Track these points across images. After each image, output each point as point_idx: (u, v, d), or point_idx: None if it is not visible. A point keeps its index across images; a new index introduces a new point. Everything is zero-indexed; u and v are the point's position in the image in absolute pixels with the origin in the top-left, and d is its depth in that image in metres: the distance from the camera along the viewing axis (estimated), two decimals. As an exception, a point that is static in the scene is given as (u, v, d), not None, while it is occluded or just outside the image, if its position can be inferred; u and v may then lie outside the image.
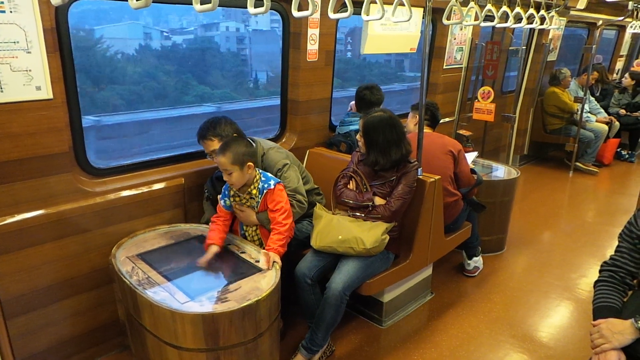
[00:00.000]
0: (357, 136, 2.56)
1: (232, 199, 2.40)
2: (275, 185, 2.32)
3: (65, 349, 2.35)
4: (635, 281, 1.84)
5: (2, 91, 1.89)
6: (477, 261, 3.42)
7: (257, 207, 2.36)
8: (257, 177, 2.35)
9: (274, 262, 2.15)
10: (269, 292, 1.90)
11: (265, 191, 2.31)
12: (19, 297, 2.13)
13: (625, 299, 1.80)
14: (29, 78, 1.94)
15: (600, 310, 1.75)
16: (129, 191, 2.42)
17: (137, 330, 2.07)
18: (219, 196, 2.44)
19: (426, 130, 3.02)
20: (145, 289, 1.94)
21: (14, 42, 1.87)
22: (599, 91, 6.68)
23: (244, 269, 2.15)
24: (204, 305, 1.86)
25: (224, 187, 2.42)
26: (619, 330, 1.61)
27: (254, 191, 2.33)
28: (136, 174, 2.52)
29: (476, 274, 3.42)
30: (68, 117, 2.20)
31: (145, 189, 2.47)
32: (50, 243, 2.16)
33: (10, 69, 1.88)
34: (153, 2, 1.54)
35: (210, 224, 2.39)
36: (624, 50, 7.68)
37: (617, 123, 6.23)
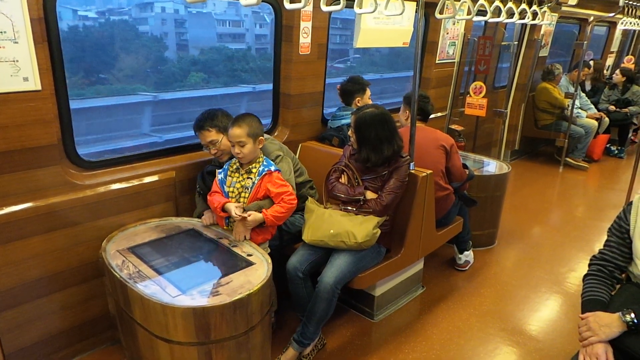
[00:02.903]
0: (349, 132, 2.55)
1: (230, 174, 2.41)
2: (274, 170, 2.37)
3: (55, 343, 2.34)
4: (623, 275, 1.87)
5: (-12, 82, 1.85)
6: (468, 255, 3.44)
7: (251, 188, 2.35)
8: (261, 158, 2.40)
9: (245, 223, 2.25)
10: (261, 285, 1.90)
11: (264, 173, 2.34)
12: (7, 290, 2.10)
13: (613, 293, 1.83)
14: (17, 69, 1.91)
15: (589, 304, 1.77)
16: (119, 184, 2.40)
17: (127, 324, 2.06)
18: (223, 172, 2.44)
19: (418, 124, 3.01)
20: (136, 282, 1.93)
21: (1, 32, 1.84)
22: (590, 87, 6.73)
23: (235, 263, 2.15)
24: (195, 298, 1.85)
25: (225, 164, 2.45)
26: (606, 323, 1.63)
27: (254, 170, 2.36)
28: (127, 167, 2.49)
29: (467, 268, 3.44)
30: (57, 108, 2.17)
31: (136, 182, 2.45)
32: (39, 236, 2.14)
33: (-3, 59, 1.85)
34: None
35: (208, 196, 2.43)
36: (614, 47, 7.73)
37: (606, 119, 6.28)
